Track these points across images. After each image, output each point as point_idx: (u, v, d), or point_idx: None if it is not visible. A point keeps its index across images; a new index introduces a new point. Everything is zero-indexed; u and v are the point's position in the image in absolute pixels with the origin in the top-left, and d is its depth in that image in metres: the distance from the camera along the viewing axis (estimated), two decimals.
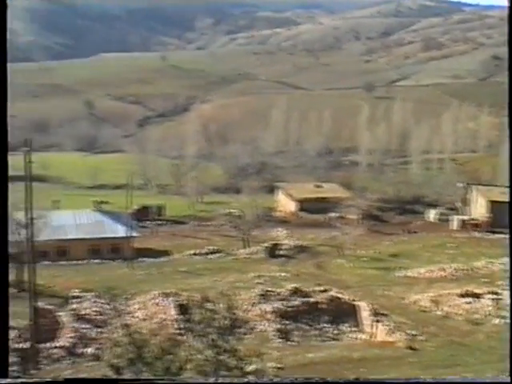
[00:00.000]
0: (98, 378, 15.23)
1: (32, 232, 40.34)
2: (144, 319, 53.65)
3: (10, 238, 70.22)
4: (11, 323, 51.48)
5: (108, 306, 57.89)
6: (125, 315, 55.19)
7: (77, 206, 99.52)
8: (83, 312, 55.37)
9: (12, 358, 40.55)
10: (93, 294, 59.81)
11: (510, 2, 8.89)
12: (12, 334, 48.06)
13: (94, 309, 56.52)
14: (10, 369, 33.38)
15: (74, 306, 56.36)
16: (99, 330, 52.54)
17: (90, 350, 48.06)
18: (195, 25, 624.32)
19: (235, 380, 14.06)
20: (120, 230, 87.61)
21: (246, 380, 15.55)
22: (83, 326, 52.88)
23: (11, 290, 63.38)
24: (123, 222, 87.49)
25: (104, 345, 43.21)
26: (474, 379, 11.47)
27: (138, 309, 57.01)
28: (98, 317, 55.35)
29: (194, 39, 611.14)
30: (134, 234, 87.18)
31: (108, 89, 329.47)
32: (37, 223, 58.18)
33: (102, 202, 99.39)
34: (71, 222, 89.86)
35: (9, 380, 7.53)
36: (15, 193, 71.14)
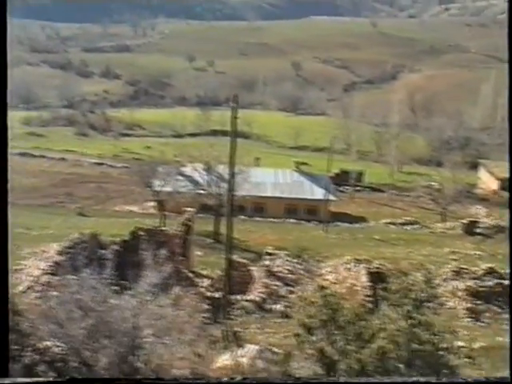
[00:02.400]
0: (98, 378, 15.15)
1: (233, 186, 40.89)
2: (335, 283, 53.60)
3: (212, 190, 72.27)
4: (206, 272, 52.93)
5: (300, 266, 58.26)
6: (316, 277, 55.37)
7: (276, 165, 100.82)
8: (275, 269, 55.97)
9: (204, 306, 41.55)
10: (286, 252, 60.34)
11: (510, 1, 8.16)
12: (206, 282, 49.36)
13: (286, 267, 57.02)
14: (203, 315, 34.20)
15: (267, 262, 57.08)
16: (289, 288, 52.99)
17: (278, 307, 48.56)
18: None
19: (236, 380, 13.58)
20: (318, 193, 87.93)
21: (247, 380, 14.95)
22: (274, 282, 53.49)
23: (207, 241, 65.28)
24: (322, 185, 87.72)
25: (295, 303, 43.56)
26: (474, 379, 10.59)
27: (329, 272, 57.00)
28: (289, 275, 55.82)
29: (406, 7, 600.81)
30: (332, 198, 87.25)
31: (316, 51, 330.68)
32: (237, 178, 59.16)
33: (302, 163, 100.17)
34: (271, 179, 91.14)
35: (9, 380, 7.42)
36: (219, 147, 72.98)
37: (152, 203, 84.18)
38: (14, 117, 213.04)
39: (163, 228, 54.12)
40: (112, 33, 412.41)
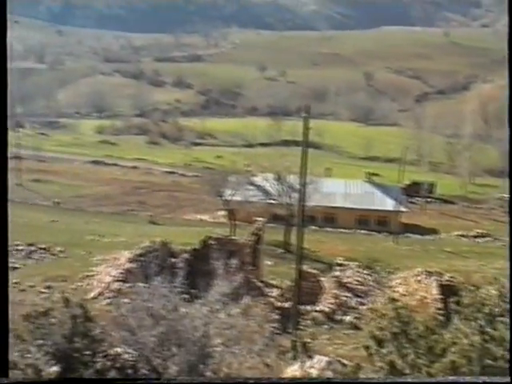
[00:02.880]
0: (97, 378, 15.02)
1: (303, 196, 40.78)
2: (405, 295, 53.01)
3: (283, 200, 72.22)
4: (275, 282, 52.89)
5: (370, 278, 57.82)
6: (386, 288, 54.87)
7: (347, 176, 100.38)
8: (345, 280, 55.63)
9: (274, 316, 41.49)
10: (356, 263, 59.95)
11: (509, 1, 7.91)
12: (275, 292, 49.31)
13: (356, 278, 56.64)
14: (272, 325, 34.14)
15: (337, 273, 56.77)
16: (359, 299, 52.60)
17: (348, 319, 48.22)
18: (481, 1, 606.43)
19: (237, 380, 13.36)
20: (389, 204, 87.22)
21: (246, 380, 14.56)
22: (344, 293, 53.15)
23: (277, 250, 65.21)
24: (393, 196, 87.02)
25: (364, 315, 43.16)
26: (474, 379, 10.28)
27: (400, 284, 56.41)
28: (359, 286, 55.42)
29: (479, 16, 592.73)
30: (403, 209, 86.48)
31: (387, 62, 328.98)
32: (308, 188, 58.98)
33: (373, 174, 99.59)
34: (341, 190, 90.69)
35: (9, 380, 7.39)
36: (290, 157, 72.90)
37: (222, 212, 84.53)
38: (88, 125, 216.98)
39: (233, 237, 54.31)
40: (184, 43, 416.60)
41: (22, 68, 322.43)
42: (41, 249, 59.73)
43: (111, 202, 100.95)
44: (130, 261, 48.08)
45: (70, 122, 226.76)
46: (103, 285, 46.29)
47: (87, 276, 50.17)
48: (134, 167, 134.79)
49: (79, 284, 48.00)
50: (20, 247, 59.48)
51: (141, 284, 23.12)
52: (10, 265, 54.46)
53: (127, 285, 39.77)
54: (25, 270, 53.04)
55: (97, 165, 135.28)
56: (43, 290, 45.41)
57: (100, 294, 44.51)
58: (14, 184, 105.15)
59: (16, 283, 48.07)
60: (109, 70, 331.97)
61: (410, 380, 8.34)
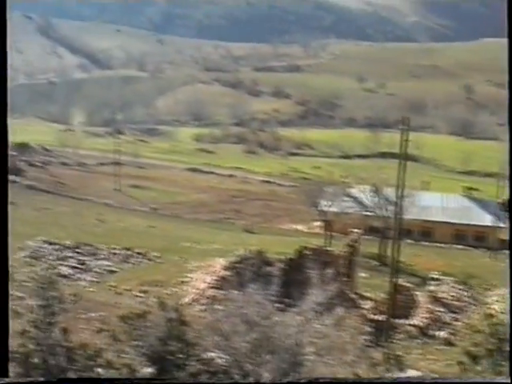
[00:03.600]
0: (94, 377, 14.81)
1: (400, 209, 40.45)
2: (502, 312, 51.93)
3: (379, 212, 71.70)
4: (369, 294, 52.49)
5: (466, 293, 56.84)
6: (482, 305, 53.87)
7: (445, 189, 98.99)
8: (440, 295, 54.84)
9: (366, 328, 41.21)
10: (452, 278, 59.04)
11: (509, 1, 7.64)
12: (369, 304, 48.92)
13: (452, 293, 55.77)
14: (365, 337, 33.85)
15: (432, 287, 56.03)
16: (454, 315, 51.78)
17: (442, 334, 47.51)
18: None
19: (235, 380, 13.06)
20: (487, 219, 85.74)
21: (246, 381, 14.32)
22: (438, 308, 52.40)
23: (372, 263, 64.75)
24: (491, 211, 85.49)
25: (459, 331, 42.49)
26: (474, 379, 9.79)
27: (496, 301, 55.29)
28: (454, 302, 54.56)
29: None
30: (501, 225, 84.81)
31: (487, 74, 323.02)
32: (405, 201, 58.41)
33: (471, 189, 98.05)
34: (438, 204, 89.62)
35: (9, 380, 7.38)
36: (387, 169, 72.30)
37: (318, 223, 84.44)
38: (186, 133, 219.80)
39: (329, 248, 54.19)
40: (283, 53, 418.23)
41: (124, 76, 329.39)
42: (137, 253, 60.74)
43: (207, 209, 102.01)
44: (225, 268, 48.49)
45: (169, 130, 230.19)
46: (198, 291, 46.80)
47: (182, 282, 50.77)
48: (231, 176, 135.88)
49: (174, 289, 48.61)
50: (117, 251, 60.65)
51: (235, 291, 23.30)
52: (108, 268, 55.63)
53: (222, 292, 40.13)
54: (121, 274, 54.03)
55: (194, 172, 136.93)
56: (139, 294, 46.18)
57: (194, 300, 45.01)
58: (113, 189, 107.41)
59: (113, 286, 49.03)
60: (208, 78, 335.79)
61: (410, 380, 8.26)
